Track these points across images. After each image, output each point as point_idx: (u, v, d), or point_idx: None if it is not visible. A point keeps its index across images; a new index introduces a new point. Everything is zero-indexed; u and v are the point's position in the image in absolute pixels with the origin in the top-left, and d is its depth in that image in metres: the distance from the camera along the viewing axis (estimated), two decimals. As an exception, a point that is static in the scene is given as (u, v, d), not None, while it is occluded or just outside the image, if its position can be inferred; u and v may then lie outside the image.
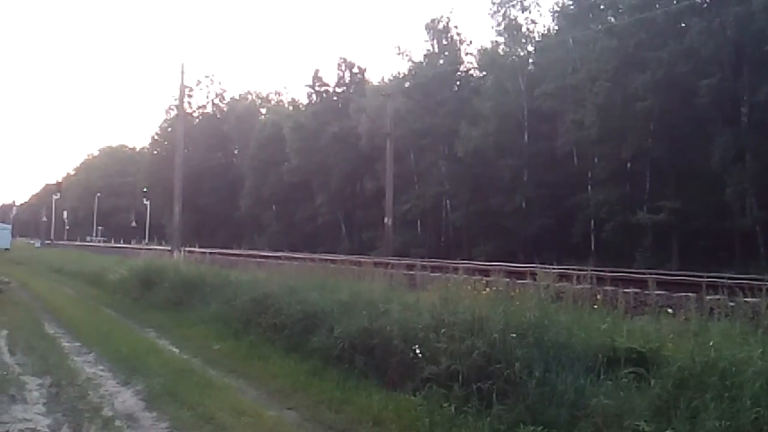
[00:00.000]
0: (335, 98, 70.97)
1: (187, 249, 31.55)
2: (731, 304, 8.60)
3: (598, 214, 41.63)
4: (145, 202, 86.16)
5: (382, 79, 72.70)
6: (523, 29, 53.79)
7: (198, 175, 73.97)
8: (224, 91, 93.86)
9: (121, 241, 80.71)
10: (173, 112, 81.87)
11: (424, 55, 59.85)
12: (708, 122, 37.36)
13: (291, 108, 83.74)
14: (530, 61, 53.79)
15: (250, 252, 41.72)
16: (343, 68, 71.26)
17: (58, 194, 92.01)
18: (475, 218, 51.39)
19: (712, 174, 35.85)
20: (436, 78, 55.08)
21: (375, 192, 57.55)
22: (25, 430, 7.05)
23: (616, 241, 40.06)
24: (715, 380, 5.82)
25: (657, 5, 39.49)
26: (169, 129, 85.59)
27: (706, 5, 37.62)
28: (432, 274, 14.27)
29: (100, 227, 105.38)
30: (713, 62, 36.52)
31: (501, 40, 54.99)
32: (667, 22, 38.39)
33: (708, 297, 9.70)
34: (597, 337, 7.23)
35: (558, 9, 52.08)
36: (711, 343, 6.35)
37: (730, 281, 10.84)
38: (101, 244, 77.69)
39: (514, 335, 7.32)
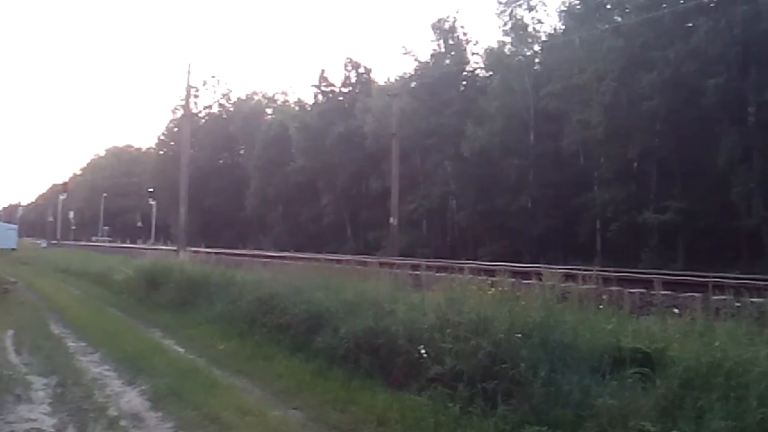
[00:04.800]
0: (341, 98, 70.75)
1: (193, 249, 31.58)
2: (737, 304, 8.60)
3: (604, 213, 41.47)
4: (151, 202, 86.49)
5: (388, 79, 72.50)
6: (530, 29, 53.77)
7: (204, 175, 74.03)
8: (230, 91, 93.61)
9: (127, 241, 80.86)
10: (179, 113, 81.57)
11: (431, 55, 59.62)
12: (715, 122, 37.17)
13: (297, 108, 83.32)
14: (536, 60, 53.64)
15: (256, 252, 41.68)
16: (349, 68, 71.11)
17: (65, 194, 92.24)
18: (481, 218, 51.27)
19: (719, 174, 35.72)
20: (442, 78, 54.87)
21: (380, 192, 57.34)
22: (30, 430, 7.06)
23: (621, 241, 39.97)
24: (721, 381, 5.82)
25: (664, 5, 39.23)
26: (175, 129, 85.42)
27: (713, 5, 37.38)
28: (437, 274, 14.25)
29: (106, 227, 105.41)
30: (720, 62, 36.38)
31: (507, 39, 54.95)
32: (673, 21, 38.22)
33: (714, 297, 9.73)
34: (602, 338, 7.24)
35: (564, 9, 51.84)
36: (717, 344, 6.36)
37: (736, 281, 10.89)
38: (107, 244, 77.52)
39: (520, 335, 7.33)
